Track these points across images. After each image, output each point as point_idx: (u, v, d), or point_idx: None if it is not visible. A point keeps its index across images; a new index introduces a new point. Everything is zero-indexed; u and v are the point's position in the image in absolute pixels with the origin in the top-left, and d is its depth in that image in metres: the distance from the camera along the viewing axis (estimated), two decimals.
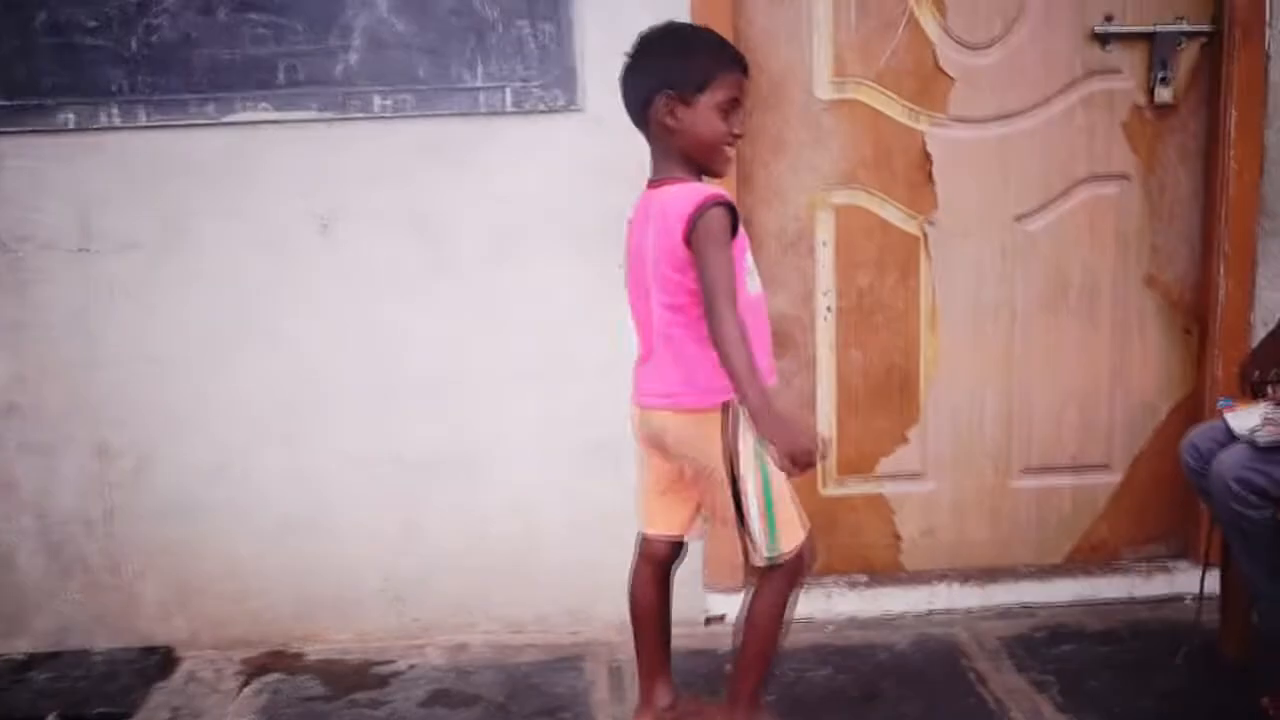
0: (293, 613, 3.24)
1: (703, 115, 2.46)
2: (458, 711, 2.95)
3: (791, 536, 2.55)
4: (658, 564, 2.75)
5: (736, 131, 2.50)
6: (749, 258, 2.53)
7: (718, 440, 2.50)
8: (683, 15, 3.02)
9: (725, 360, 2.38)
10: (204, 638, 3.22)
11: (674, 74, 2.47)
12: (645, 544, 2.75)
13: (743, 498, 2.51)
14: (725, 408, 2.48)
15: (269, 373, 3.17)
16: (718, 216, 2.41)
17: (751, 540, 2.55)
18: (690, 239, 2.41)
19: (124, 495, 3.18)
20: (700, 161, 2.52)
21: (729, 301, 2.38)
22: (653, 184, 2.55)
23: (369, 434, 3.20)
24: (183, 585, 3.22)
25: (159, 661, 3.15)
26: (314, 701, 3.01)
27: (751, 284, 2.52)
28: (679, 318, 2.49)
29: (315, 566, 3.24)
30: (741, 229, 2.48)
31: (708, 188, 2.47)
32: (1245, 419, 2.75)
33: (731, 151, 2.53)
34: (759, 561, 2.57)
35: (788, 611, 2.63)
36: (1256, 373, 2.85)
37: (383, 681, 3.08)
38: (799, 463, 2.38)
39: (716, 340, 2.38)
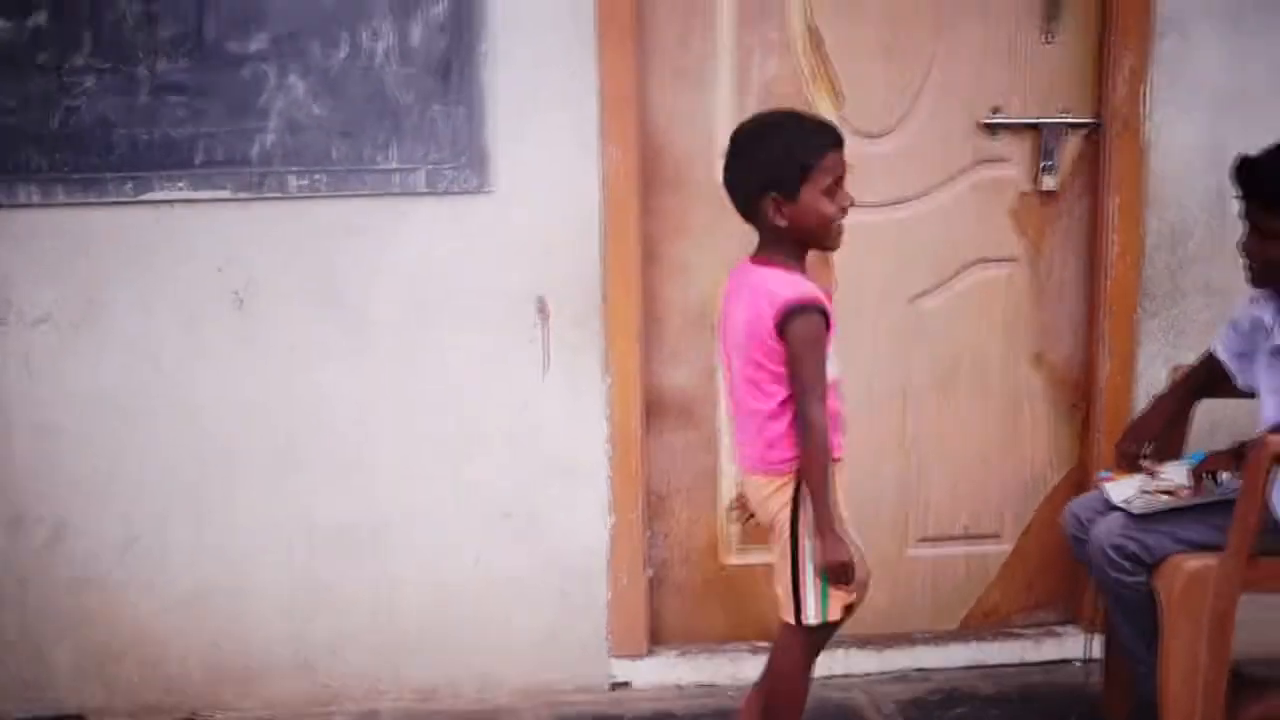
0: (204, 680, 3.28)
1: (810, 205, 2.53)
2: None
3: (838, 604, 2.63)
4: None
5: (845, 205, 2.57)
6: (830, 342, 2.59)
7: (788, 501, 2.59)
8: (591, 100, 3.18)
9: (806, 459, 2.51)
10: (117, 705, 3.26)
11: (775, 173, 2.53)
12: None
13: (800, 561, 2.60)
14: (798, 474, 2.58)
15: (181, 444, 3.22)
16: (816, 322, 2.51)
17: (801, 601, 2.62)
18: (784, 334, 2.50)
19: (38, 565, 3.21)
20: (814, 244, 2.61)
21: (819, 404, 2.51)
22: (753, 260, 2.63)
23: (280, 505, 3.26)
24: (96, 654, 3.26)
25: None
26: None
27: (831, 368, 2.60)
28: (759, 394, 2.58)
29: (227, 635, 3.29)
30: (833, 328, 2.57)
31: (805, 284, 2.54)
32: (1122, 489, 2.88)
33: (842, 226, 2.60)
34: (806, 620, 2.63)
35: (810, 670, 2.73)
36: (1133, 447, 3.00)
37: None
38: (835, 578, 2.52)
39: (802, 438, 2.51)
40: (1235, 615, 2.71)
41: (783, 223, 2.54)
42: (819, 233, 2.58)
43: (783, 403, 2.56)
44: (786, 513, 2.60)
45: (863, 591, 2.60)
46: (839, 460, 2.61)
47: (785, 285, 2.53)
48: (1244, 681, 2.84)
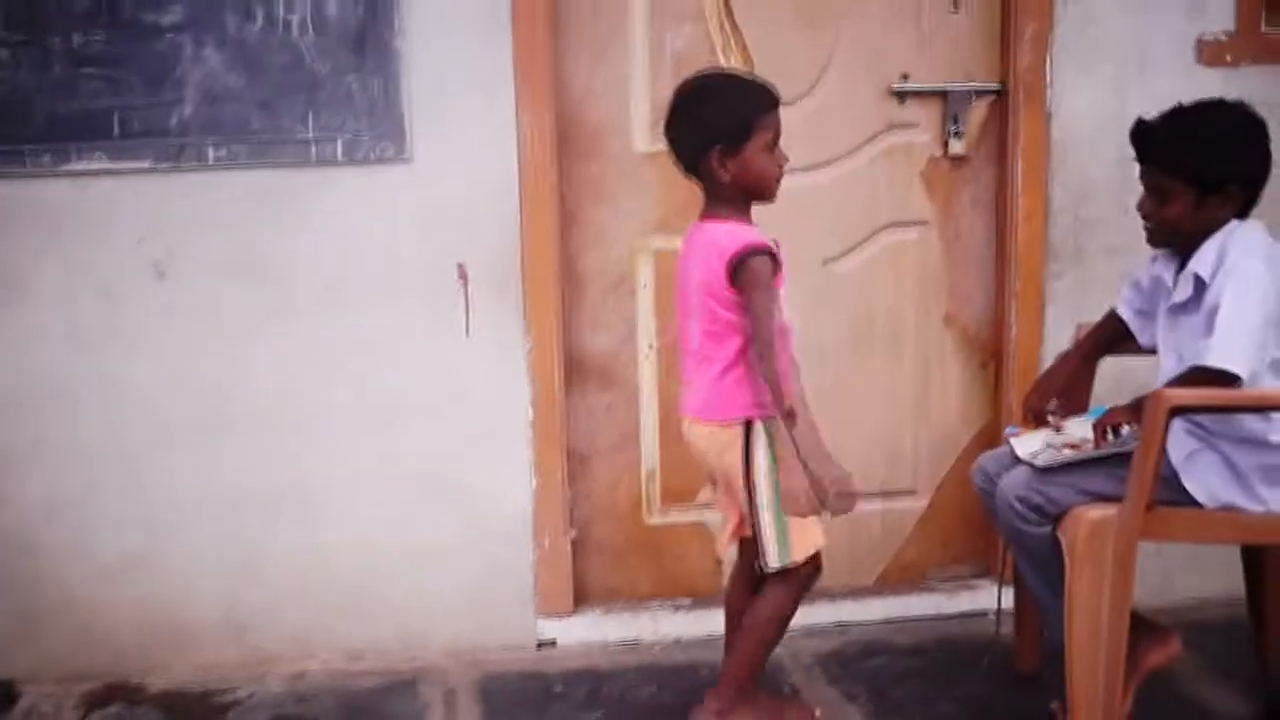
0: (134, 646, 3.32)
1: (752, 160, 2.67)
2: None
3: (803, 546, 2.78)
4: (740, 559, 2.97)
5: (782, 162, 2.72)
6: (782, 289, 2.73)
7: (739, 452, 2.73)
8: (506, 70, 3.23)
9: (774, 392, 2.62)
10: (45, 672, 3.28)
11: (719, 130, 2.66)
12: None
13: (756, 508, 2.74)
14: (747, 424, 2.72)
15: (106, 414, 3.25)
16: (763, 263, 2.64)
17: (762, 547, 2.76)
18: (736, 280, 2.63)
19: None
20: (755, 197, 2.73)
21: (772, 342, 2.62)
22: (703, 217, 2.75)
23: (206, 472, 3.29)
24: (23, 620, 3.28)
25: (1, 694, 3.21)
26: None
27: (782, 312, 2.73)
28: (714, 344, 2.72)
29: (156, 601, 3.32)
30: (782, 271, 2.69)
31: (751, 232, 2.68)
32: (1028, 443, 2.97)
33: (779, 181, 2.74)
34: (768, 567, 2.78)
35: (793, 608, 2.86)
36: (1039, 404, 3.09)
37: (223, 710, 3.19)
38: (836, 494, 2.63)
39: (765, 375, 2.63)
40: (1135, 563, 2.79)
41: (727, 177, 2.67)
42: (760, 186, 2.72)
43: (739, 351, 2.69)
44: (739, 462, 2.73)
45: (849, 502, 2.69)
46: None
47: (732, 236, 2.67)
48: (1145, 627, 2.93)
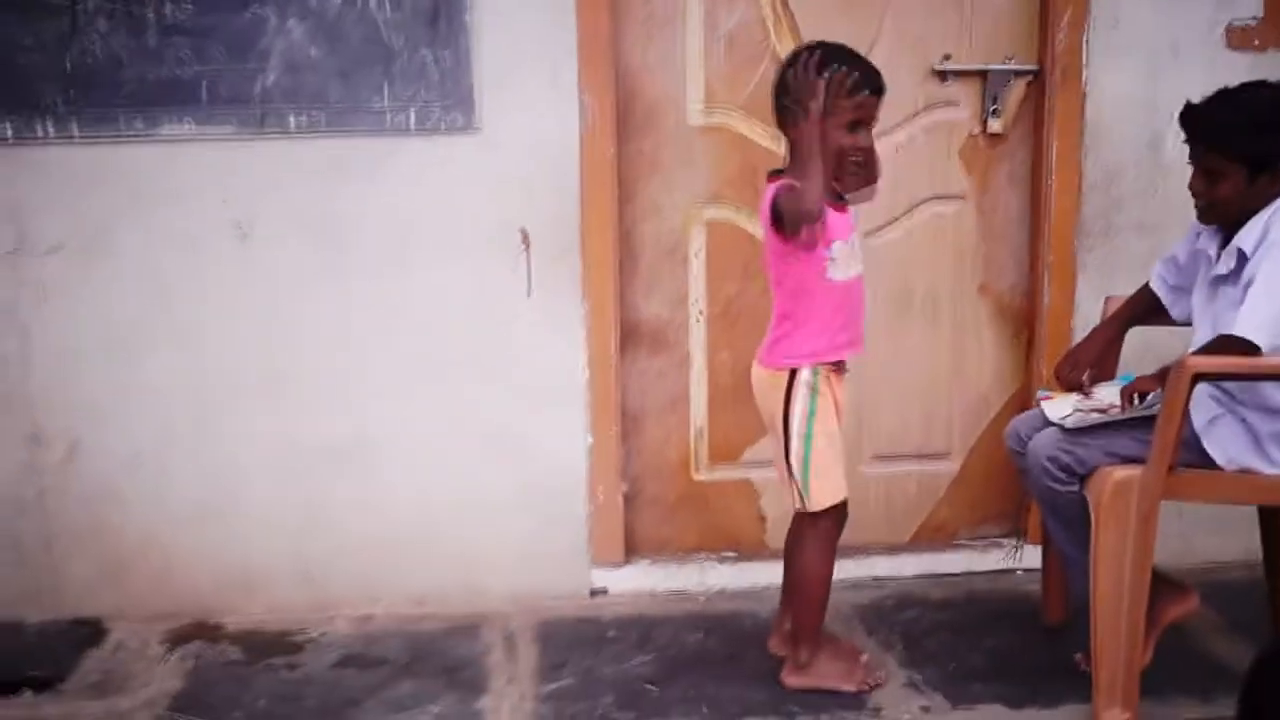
0: (210, 588, 3.51)
1: (827, 132, 2.83)
2: (366, 672, 3.25)
3: (822, 497, 3.00)
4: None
5: (860, 145, 2.89)
6: (835, 246, 2.91)
7: (781, 398, 2.96)
8: (570, 46, 3.39)
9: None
10: (130, 612, 3.48)
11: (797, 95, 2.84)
12: None
13: (790, 452, 2.97)
14: (792, 374, 2.95)
15: (184, 367, 3.44)
16: (787, 191, 2.83)
17: (794, 489, 3.01)
18: (775, 221, 2.84)
19: (54, 480, 3.44)
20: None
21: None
22: (769, 178, 2.94)
23: (277, 424, 3.48)
24: (109, 564, 3.48)
25: (89, 633, 3.42)
26: (234, 665, 3.30)
27: (835, 270, 2.92)
28: (775, 291, 2.96)
29: (229, 547, 3.52)
30: (831, 223, 2.87)
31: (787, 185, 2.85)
32: (1058, 407, 3.12)
33: (860, 164, 2.92)
34: (797, 506, 3.03)
35: (825, 559, 3.07)
36: (1071, 373, 3.25)
37: (297, 648, 3.38)
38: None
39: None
40: (1157, 521, 2.93)
41: (794, 135, 2.87)
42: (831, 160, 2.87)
43: (786, 309, 2.93)
44: (780, 408, 2.96)
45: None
46: (844, 363, 3.02)
47: (772, 190, 2.86)
48: (1166, 584, 3.08)
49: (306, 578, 3.55)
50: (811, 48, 2.90)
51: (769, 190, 2.87)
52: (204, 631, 3.46)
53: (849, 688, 3.11)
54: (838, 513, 3.05)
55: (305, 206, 3.40)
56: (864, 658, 3.19)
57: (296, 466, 3.51)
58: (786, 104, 2.88)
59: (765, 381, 3.01)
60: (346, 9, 3.31)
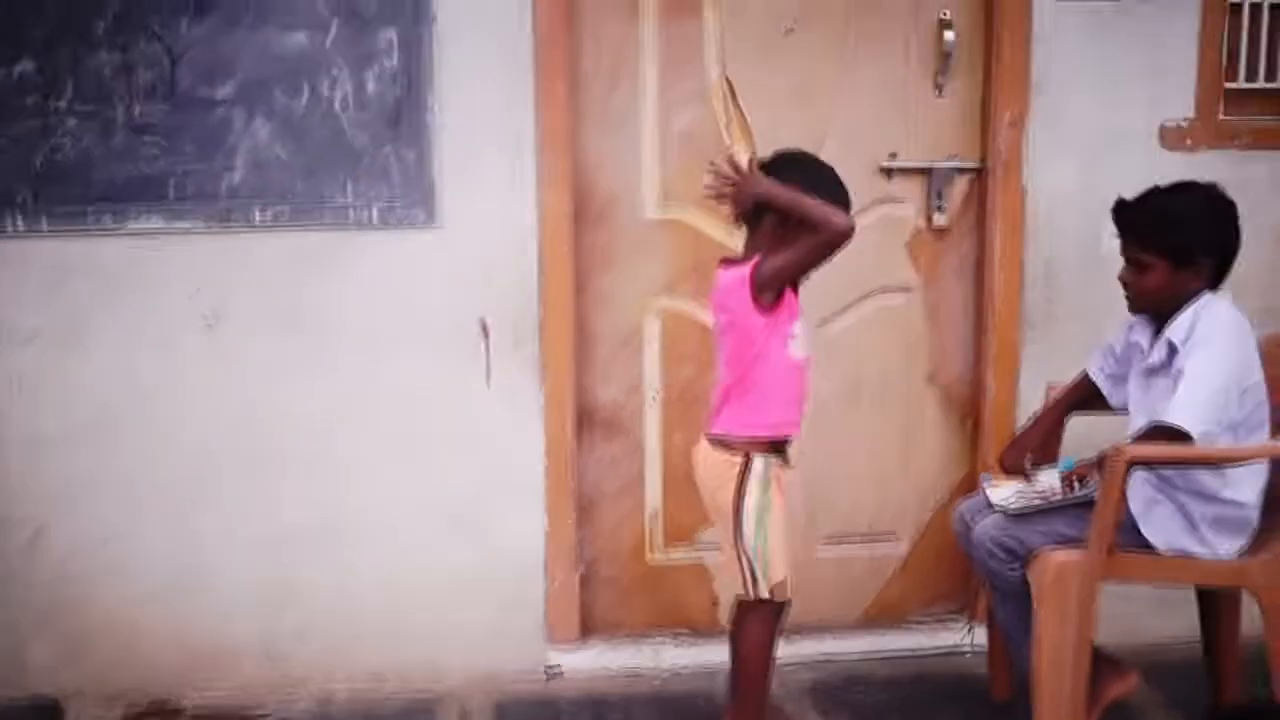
0: (173, 667, 3.56)
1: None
2: None
3: (772, 585, 3.03)
4: None
5: None
6: (796, 325, 3.00)
7: (733, 480, 3.00)
8: (529, 145, 3.51)
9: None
10: (89, 691, 3.52)
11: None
12: None
13: (742, 537, 3.01)
14: (745, 463, 3.00)
15: (157, 455, 3.51)
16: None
17: (744, 574, 3.03)
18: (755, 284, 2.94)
19: (20, 562, 3.49)
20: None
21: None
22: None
23: (248, 510, 3.55)
24: (70, 642, 3.53)
25: (47, 712, 3.46)
26: None
27: (796, 347, 3.01)
28: (731, 368, 3.03)
29: (195, 626, 3.56)
30: (796, 304, 2.98)
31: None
32: (1001, 492, 3.23)
33: None
34: (745, 593, 3.05)
35: (769, 645, 3.11)
36: (1015, 460, 3.32)
37: None
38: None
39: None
40: (1096, 602, 3.05)
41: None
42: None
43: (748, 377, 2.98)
44: (731, 497, 3.00)
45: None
46: (793, 437, 3.06)
47: (751, 266, 2.96)
48: (1107, 663, 3.18)
49: (270, 656, 3.60)
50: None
51: (743, 269, 2.94)
52: (163, 711, 3.51)
53: None
54: (783, 601, 3.10)
55: (272, 298, 3.49)
56: None
57: (264, 547, 3.57)
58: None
59: (715, 467, 3.05)
60: (312, 109, 3.42)
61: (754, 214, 3.00)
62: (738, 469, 3.00)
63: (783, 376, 3.01)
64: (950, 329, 3.85)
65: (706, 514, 3.68)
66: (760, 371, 2.99)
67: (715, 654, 3.65)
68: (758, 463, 3.00)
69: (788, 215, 2.92)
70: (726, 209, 3.06)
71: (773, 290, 2.94)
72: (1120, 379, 3.28)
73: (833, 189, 2.97)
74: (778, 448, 3.05)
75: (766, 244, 2.97)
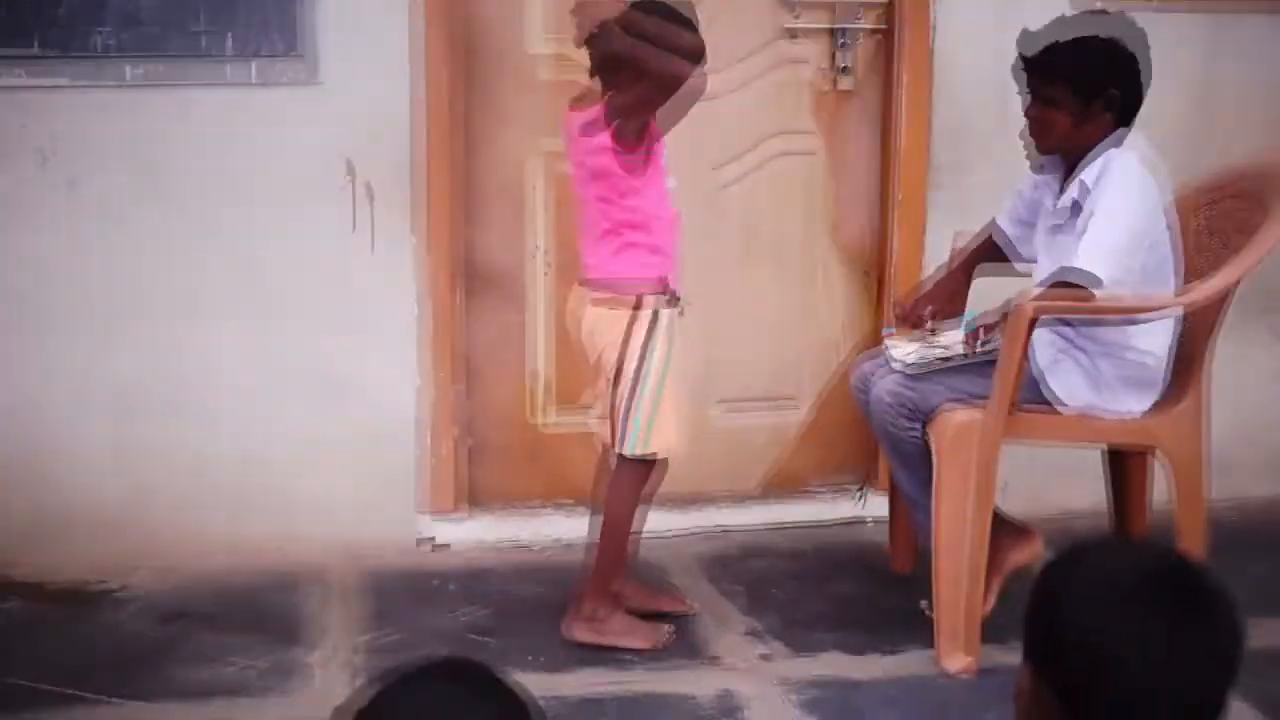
0: (2, 534, 3.29)
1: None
2: (168, 625, 3.09)
3: (663, 441, 2.88)
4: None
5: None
6: (670, 179, 2.87)
7: (621, 331, 2.84)
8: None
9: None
10: None
11: None
12: None
13: (630, 393, 2.85)
14: (635, 307, 2.84)
15: (2, 318, 3.26)
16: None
17: (623, 432, 2.87)
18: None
19: None
20: None
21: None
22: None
23: (83, 361, 3.30)
24: None
25: None
26: (20, 621, 3.11)
27: (669, 198, 2.87)
28: (608, 207, 2.87)
29: (28, 491, 3.31)
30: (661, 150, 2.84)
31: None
32: (902, 349, 3.05)
33: None
34: (619, 449, 2.89)
35: (633, 509, 2.95)
36: (913, 309, 3.15)
37: (93, 600, 3.19)
38: None
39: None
40: (998, 462, 2.90)
41: None
42: None
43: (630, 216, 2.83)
44: (623, 345, 2.84)
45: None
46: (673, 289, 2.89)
47: (599, 109, 2.83)
48: (1009, 528, 3.05)
49: (110, 526, 3.34)
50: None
51: (592, 112, 2.80)
52: None
53: (639, 645, 3.00)
54: (661, 463, 2.93)
55: (140, 158, 3.26)
56: (667, 627, 3.08)
57: (107, 410, 3.33)
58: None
59: (602, 320, 2.88)
60: None
61: (608, 66, 2.82)
62: (628, 319, 2.83)
63: (663, 219, 2.86)
64: (853, 181, 3.66)
65: (585, 379, 3.56)
66: (639, 211, 2.83)
67: None
68: (653, 310, 2.83)
69: (635, 69, 2.76)
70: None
71: (631, 128, 2.78)
72: (1030, 225, 3.12)
73: (684, 24, 2.80)
74: (664, 293, 2.88)
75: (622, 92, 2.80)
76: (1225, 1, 3.67)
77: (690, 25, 2.82)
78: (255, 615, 3.13)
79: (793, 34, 3.54)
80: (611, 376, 2.86)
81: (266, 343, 3.36)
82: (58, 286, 3.27)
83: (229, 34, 3.22)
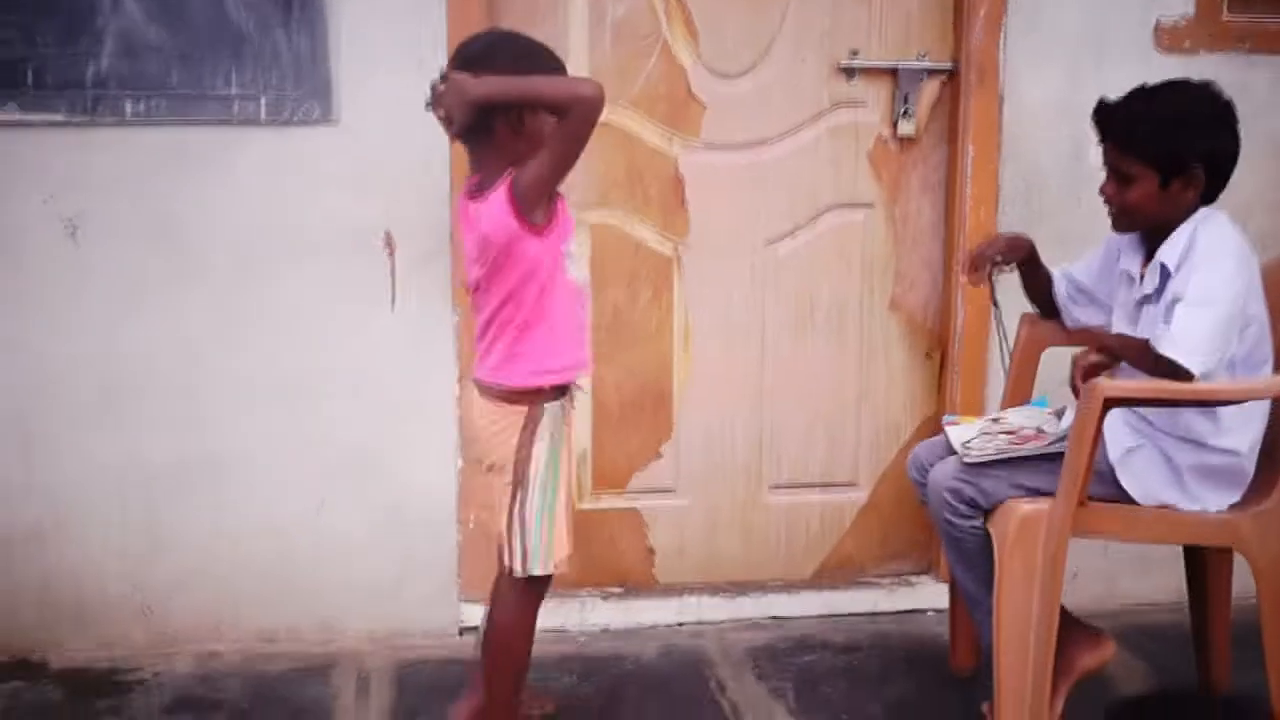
0: (35, 622, 3.19)
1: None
2: (201, 717, 2.95)
3: (552, 559, 2.60)
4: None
5: None
6: (571, 242, 2.56)
7: (516, 435, 2.54)
8: (439, 33, 3.09)
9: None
10: None
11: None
12: None
13: (523, 503, 2.55)
14: (531, 407, 2.53)
15: (4, 380, 3.12)
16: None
17: (519, 549, 2.57)
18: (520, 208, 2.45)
19: None
20: None
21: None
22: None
23: (113, 443, 3.16)
24: None
25: None
26: (55, 708, 2.98)
27: (573, 267, 2.55)
28: (508, 304, 2.52)
29: (59, 576, 3.18)
30: (569, 215, 2.54)
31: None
32: (963, 432, 2.87)
33: None
34: (515, 566, 2.59)
35: (531, 628, 2.67)
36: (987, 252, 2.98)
37: (127, 689, 3.07)
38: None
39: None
40: (1066, 559, 2.69)
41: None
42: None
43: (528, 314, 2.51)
44: (514, 449, 2.54)
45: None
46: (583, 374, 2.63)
47: (506, 182, 2.48)
48: (1078, 629, 2.85)
49: (143, 611, 3.22)
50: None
51: (497, 192, 2.45)
52: (25, 670, 3.13)
53: None
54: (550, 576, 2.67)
55: (143, 202, 3.09)
56: None
57: (134, 489, 3.18)
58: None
59: (493, 417, 2.57)
60: None
61: (479, 125, 2.47)
62: (521, 423, 2.53)
63: (566, 307, 2.54)
64: (916, 250, 3.46)
65: (638, 456, 3.40)
66: (544, 306, 2.50)
67: (648, 611, 3.43)
68: (547, 416, 2.54)
69: (521, 108, 2.44)
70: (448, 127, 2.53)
71: (540, 205, 2.45)
72: (1085, 297, 2.96)
73: (547, 59, 2.52)
74: (563, 391, 2.60)
75: (508, 154, 2.47)
76: None
77: (540, 45, 2.55)
78: (288, 709, 3.00)
79: (850, 74, 3.34)
80: (512, 487, 2.56)
81: (294, 418, 3.20)
82: (75, 358, 3.12)
83: (233, 69, 3.06)
